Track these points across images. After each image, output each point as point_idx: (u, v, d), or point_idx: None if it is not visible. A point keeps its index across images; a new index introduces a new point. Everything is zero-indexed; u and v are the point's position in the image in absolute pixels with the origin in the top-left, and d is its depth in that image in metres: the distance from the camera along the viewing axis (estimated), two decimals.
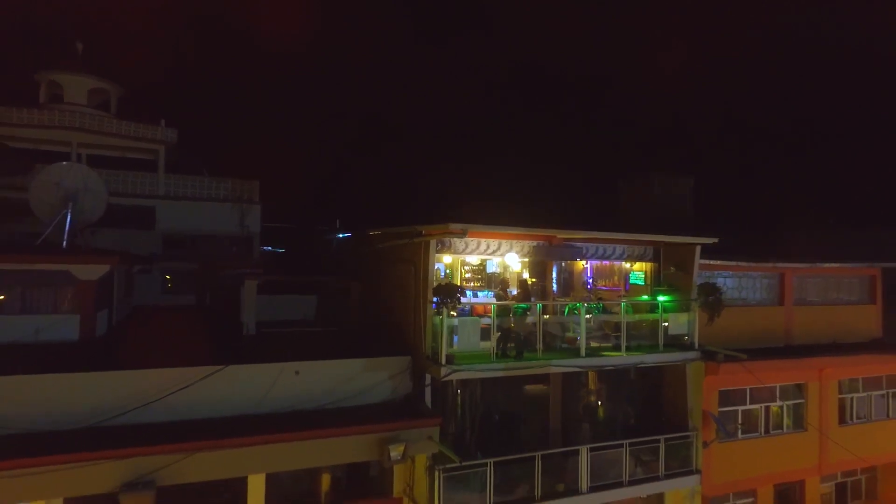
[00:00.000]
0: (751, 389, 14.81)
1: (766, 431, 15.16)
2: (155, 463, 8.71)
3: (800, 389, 15.62)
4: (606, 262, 15.71)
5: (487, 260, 15.21)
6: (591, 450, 12.30)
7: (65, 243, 13.19)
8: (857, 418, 16.51)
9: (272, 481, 10.38)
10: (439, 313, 11.33)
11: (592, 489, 12.24)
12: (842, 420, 16.20)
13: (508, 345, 11.91)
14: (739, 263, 15.68)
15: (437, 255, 12.22)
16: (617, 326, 13.17)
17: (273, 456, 9.64)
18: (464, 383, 12.50)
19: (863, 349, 16.77)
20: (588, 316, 13.08)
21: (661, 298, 13.97)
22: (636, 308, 14.14)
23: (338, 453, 10.27)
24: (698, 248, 14.13)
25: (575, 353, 12.57)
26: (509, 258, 13.83)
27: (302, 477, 11.08)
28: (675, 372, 14.16)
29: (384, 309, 14.11)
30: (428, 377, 11.51)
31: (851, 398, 16.44)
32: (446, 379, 11.12)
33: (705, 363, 13.88)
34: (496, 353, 11.75)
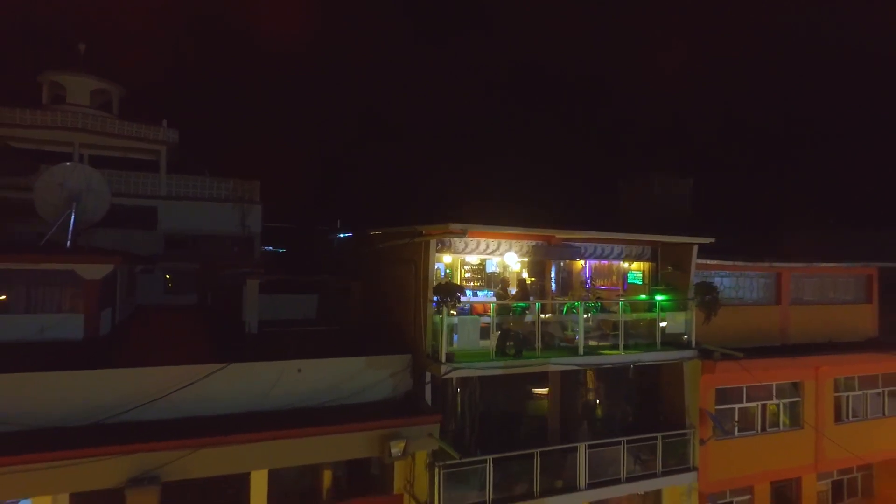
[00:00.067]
0: (747, 388, 14.96)
1: (763, 429, 15.31)
2: (160, 459, 8.86)
3: (796, 388, 15.77)
4: (605, 262, 15.86)
5: (487, 259, 15.37)
6: (590, 447, 12.45)
7: (68, 243, 13.32)
8: (853, 416, 16.67)
9: (275, 478, 10.53)
10: (439, 312, 11.48)
11: (591, 486, 12.39)
12: (838, 418, 16.35)
13: (508, 343, 12.06)
14: (736, 263, 15.83)
15: (437, 254, 12.36)
16: (615, 325, 13.33)
17: (276, 452, 9.78)
18: (464, 382, 12.65)
19: (859, 348, 16.90)
20: (587, 315, 13.24)
21: (658, 297, 14.11)
22: (634, 307, 14.29)
23: (340, 450, 10.43)
24: (695, 248, 14.28)
25: (573, 351, 12.72)
26: (508, 258, 13.99)
27: (304, 473, 11.23)
28: (672, 370, 14.31)
29: (385, 308, 14.26)
30: (428, 375, 11.67)
31: (847, 396, 16.59)
32: (446, 377, 11.27)
33: (702, 362, 14.03)
34: (495, 352, 11.91)
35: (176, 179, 22.06)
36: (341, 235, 20.01)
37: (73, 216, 13.84)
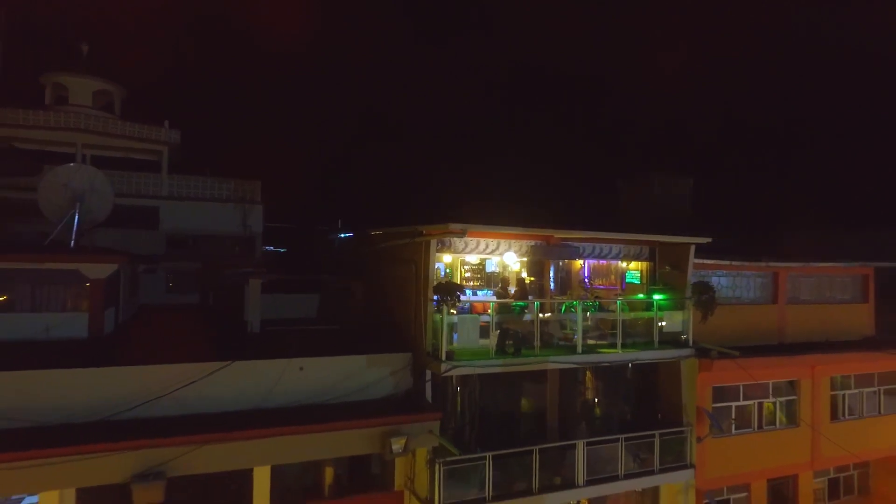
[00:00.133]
0: (744, 386, 15.11)
1: (760, 427, 15.46)
2: (165, 455, 9.03)
3: (792, 386, 15.92)
4: (603, 262, 16.03)
5: (487, 259, 15.52)
6: (588, 444, 12.60)
7: (72, 243, 13.47)
8: (850, 415, 16.82)
9: (277, 474, 10.69)
10: (439, 311, 11.63)
11: (589, 483, 12.54)
12: (834, 416, 16.50)
13: (507, 342, 12.20)
14: (733, 263, 15.98)
15: (437, 254, 12.51)
16: (613, 324, 13.48)
17: (278, 449, 9.94)
18: (464, 380, 12.81)
19: (855, 347, 17.05)
20: (587, 315, 13.40)
21: (656, 297, 14.26)
22: (632, 306, 14.44)
23: (341, 446, 10.59)
24: (692, 248, 14.43)
25: (572, 349, 12.87)
26: (508, 257, 14.14)
27: (306, 470, 11.39)
28: (669, 369, 14.46)
29: (385, 307, 14.41)
30: (428, 373, 11.82)
31: (843, 395, 16.74)
32: (446, 375, 11.42)
33: (699, 360, 14.19)
34: (495, 350, 12.06)
35: (178, 180, 22.17)
36: (342, 235, 20.15)
37: (76, 216, 13.98)
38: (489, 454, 11.54)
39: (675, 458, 13.68)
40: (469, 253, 13.50)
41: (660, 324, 13.99)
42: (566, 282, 16.27)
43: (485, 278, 15.68)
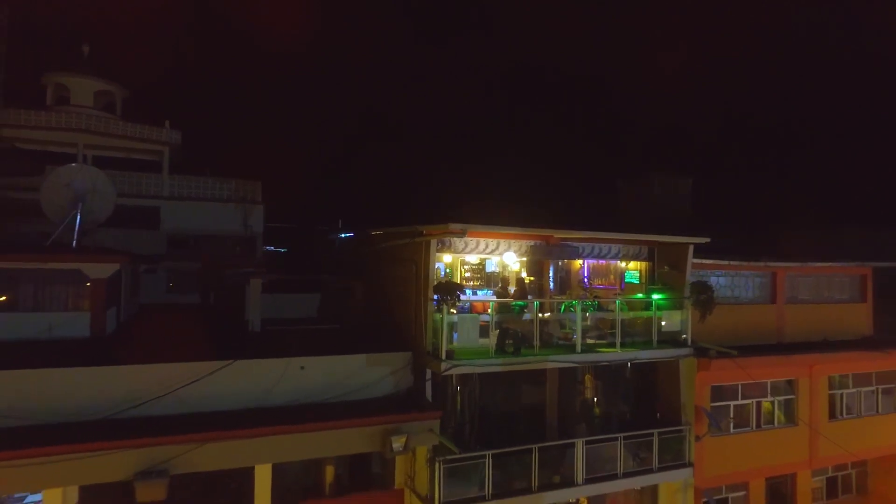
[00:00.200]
0: (742, 385, 15.18)
1: (758, 426, 15.53)
2: (168, 452, 9.10)
3: (791, 385, 16.00)
4: (602, 262, 16.10)
5: (486, 259, 15.59)
6: (587, 443, 12.69)
7: (74, 243, 13.55)
8: (848, 414, 16.88)
9: (278, 473, 10.78)
10: (439, 311, 11.70)
11: (588, 481, 12.62)
12: (832, 415, 16.57)
13: (507, 341, 12.28)
14: (731, 262, 16.05)
15: (437, 254, 12.59)
16: (612, 323, 13.55)
17: (280, 446, 10.02)
18: (463, 380, 12.88)
19: (853, 346, 17.13)
20: (586, 314, 13.48)
21: (655, 296, 14.34)
22: (631, 306, 14.51)
23: (342, 444, 10.66)
24: (691, 248, 14.51)
25: (571, 349, 12.95)
26: (507, 257, 14.22)
27: (306, 469, 11.46)
28: (668, 368, 14.55)
29: (386, 307, 14.49)
30: (429, 372, 11.89)
31: (842, 394, 16.82)
32: (446, 374, 11.50)
33: (698, 359, 14.27)
34: (495, 349, 12.13)
35: (178, 180, 22.26)
36: (342, 235, 20.22)
37: (78, 216, 14.06)
38: (489, 453, 11.62)
39: (673, 457, 13.75)
40: (469, 253, 13.58)
41: (663, 323, 14.06)
42: (565, 281, 16.34)
43: (484, 278, 15.75)
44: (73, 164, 15.60)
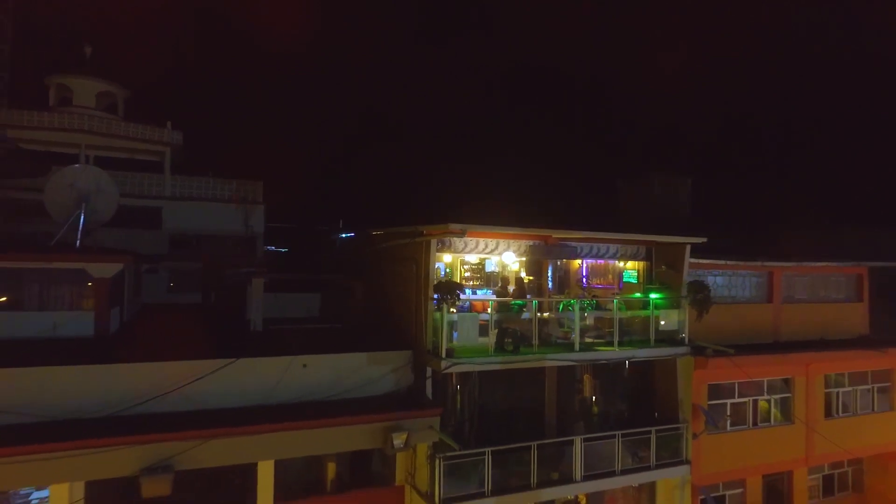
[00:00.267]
0: (739, 383, 15.33)
1: (755, 424, 15.68)
2: (173, 449, 9.25)
3: (787, 384, 16.15)
4: (601, 261, 16.24)
5: (486, 259, 15.74)
6: (585, 440, 12.83)
7: (78, 243, 13.68)
8: (844, 412, 17.04)
9: (280, 469, 10.93)
10: (440, 310, 11.84)
11: (586, 478, 12.76)
12: (828, 414, 16.72)
13: (506, 340, 12.42)
14: (728, 262, 16.19)
15: (437, 253, 12.73)
16: (610, 322, 13.70)
17: (283, 443, 10.18)
18: (463, 379, 13.03)
19: (849, 345, 17.27)
20: (584, 313, 13.63)
21: (652, 296, 14.48)
22: (629, 305, 14.64)
23: (344, 441, 10.81)
24: (688, 248, 14.66)
25: (570, 347, 13.08)
26: (507, 257, 14.36)
27: (308, 465, 11.60)
28: (665, 366, 14.70)
29: (386, 306, 14.64)
30: (429, 370, 12.03)
31: (837, 392, 16.97)
32: (446, 372, 11.65)
33: (695, 358, 14.42)
34: (494, 348, 12.28)
35: (180, 180, 22.44)
36: (343, 235, 20.38)
37: (82, 216, 14.19)
38: (488, 450, 11.77)
39: (671, 455, 13.91)
40: (469, 252, 13.72)
41: (661, 322, 14.20)
42: (564, 281, 16.48)
43: (484, 277, 15.89)
44: (77, 165, 15.76)
